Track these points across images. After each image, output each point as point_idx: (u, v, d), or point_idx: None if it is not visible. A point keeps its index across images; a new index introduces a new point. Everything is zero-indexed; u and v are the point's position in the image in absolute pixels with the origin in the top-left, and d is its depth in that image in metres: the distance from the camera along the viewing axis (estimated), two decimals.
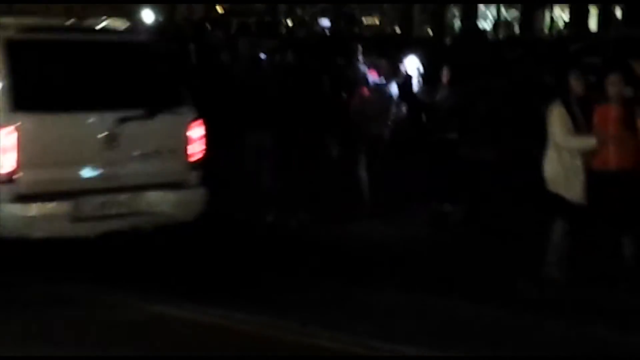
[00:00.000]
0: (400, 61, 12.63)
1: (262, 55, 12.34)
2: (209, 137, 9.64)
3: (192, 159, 8.92)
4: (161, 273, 8.75)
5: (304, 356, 7.24)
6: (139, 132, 8.59)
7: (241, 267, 9.41)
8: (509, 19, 36.15)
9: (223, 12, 29.19)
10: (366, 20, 35.14)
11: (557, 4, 32.55)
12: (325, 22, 33.06)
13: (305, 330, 7.66)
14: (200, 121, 8.97)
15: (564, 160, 9.12)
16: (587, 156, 9.11)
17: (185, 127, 8.88)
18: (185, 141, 8.89)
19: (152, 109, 8.61)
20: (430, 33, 28.21)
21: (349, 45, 13.33)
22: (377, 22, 34.64)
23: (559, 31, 31.88)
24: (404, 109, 12.47)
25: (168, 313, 7.78)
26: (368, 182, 12.26)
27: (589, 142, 9.04)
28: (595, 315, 8.32)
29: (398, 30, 30.98)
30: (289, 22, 33.75)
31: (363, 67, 12.76)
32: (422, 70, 12.59)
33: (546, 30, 33.11)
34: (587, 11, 30.23)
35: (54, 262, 8.64)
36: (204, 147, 9.08)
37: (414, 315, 8.36)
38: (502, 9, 35.63)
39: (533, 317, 8.31)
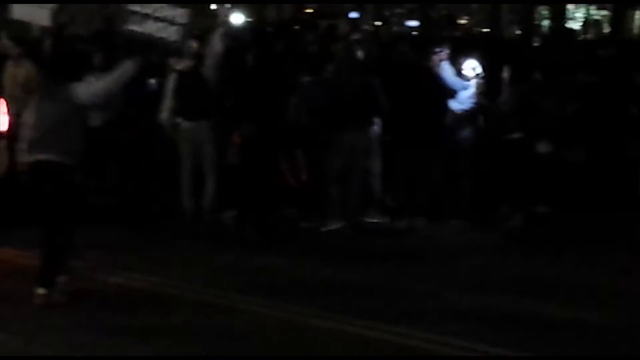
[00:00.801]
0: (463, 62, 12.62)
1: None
2: None
3: None
4: None
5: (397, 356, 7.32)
6: None
7: None
8: (598, 18, 35.74)
9: (312, 12, 29.34)
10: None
11: None
12: (412, 23, 32.98)
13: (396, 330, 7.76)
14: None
15: None
16: None
17: None
18: None
19: None
20: (519, 33, 27.99)
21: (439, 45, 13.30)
22: (465, 22, 34.52)
23: None
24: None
25: None
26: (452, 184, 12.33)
27: None
28: None
29: (486, 31, 30.79)
30: (378, 23, 33.81)
31: (449, 69, 12.74)
32: (480, 71, 12.52)
33: (636, 31, 32.64)
34: None
35: None
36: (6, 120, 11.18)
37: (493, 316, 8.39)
38: (592, 9, 35.23)
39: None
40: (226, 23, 13.50)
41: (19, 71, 13.28)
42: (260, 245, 11.16)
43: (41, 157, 8.60)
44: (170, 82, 12.08)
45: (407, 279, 9.63)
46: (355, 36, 12.89)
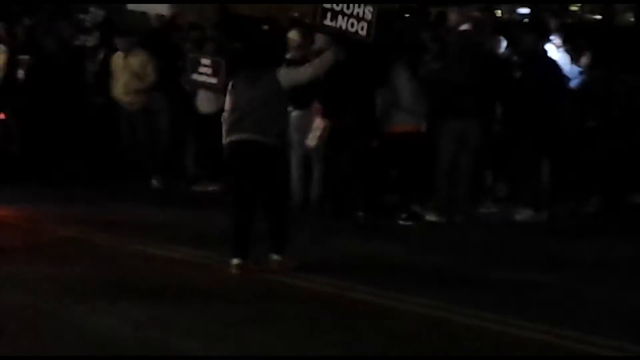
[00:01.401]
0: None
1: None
2: None
3: None
4: None
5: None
6: None
7: None
8: None
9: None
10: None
11: None
12: (523, 10, 32.59)
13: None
14: None
15: None
16: None
17: None
18: None
19: None
20: (632, 20, 27.49)
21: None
22: (577, 9, 33.99)
23: None
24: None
25: None
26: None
27: None
28: None
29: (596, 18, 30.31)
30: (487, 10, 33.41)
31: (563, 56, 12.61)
32: (558, 56, 12.40)
33: None
34: None
35: None
36: None
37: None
38: None
39: None
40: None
41: (132, 61, 13.56)
42: (364, 233, 11.19)
43: (241, 136, 9.12)
44: None
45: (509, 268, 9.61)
46: (468, 23, 12.81)
